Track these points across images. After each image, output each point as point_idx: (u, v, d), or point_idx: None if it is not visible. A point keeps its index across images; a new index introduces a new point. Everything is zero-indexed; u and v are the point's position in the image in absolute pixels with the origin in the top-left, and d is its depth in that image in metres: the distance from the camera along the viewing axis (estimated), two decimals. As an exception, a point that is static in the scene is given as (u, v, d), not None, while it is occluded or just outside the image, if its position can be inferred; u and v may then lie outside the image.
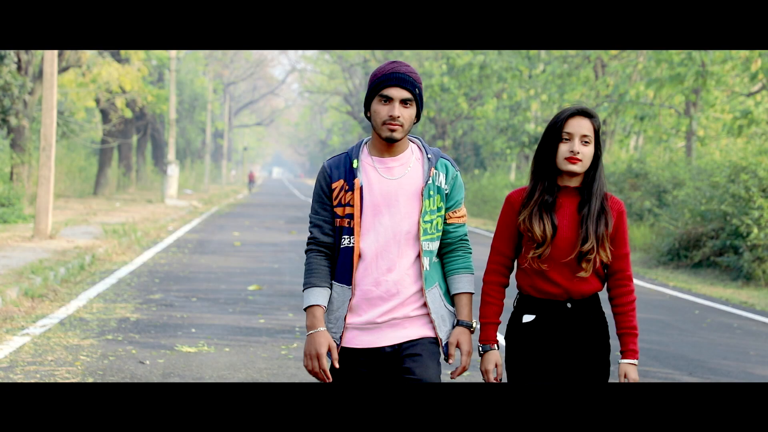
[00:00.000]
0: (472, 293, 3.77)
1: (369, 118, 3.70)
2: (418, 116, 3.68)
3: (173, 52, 35.31)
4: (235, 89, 75.01)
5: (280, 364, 7.61)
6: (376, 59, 46.48)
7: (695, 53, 20.65)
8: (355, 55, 50.85)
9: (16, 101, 20.88)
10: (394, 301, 3.66)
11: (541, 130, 30.57)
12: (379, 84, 3.63)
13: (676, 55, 21.18)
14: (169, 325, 9.09)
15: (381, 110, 3.63)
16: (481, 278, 3.87)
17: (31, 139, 23.34)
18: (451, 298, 3.78)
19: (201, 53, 51.04)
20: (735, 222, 15.46)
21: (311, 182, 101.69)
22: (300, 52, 68.51)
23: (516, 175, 35.48)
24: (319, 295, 3.69)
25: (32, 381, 6.72)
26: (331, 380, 3.60)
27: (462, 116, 37.14)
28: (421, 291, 3.69)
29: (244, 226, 23.77)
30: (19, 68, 21.84)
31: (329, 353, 3.65)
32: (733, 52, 20.00)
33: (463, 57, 30.70)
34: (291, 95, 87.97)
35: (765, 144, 19.27)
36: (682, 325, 10.39)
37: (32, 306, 9.84)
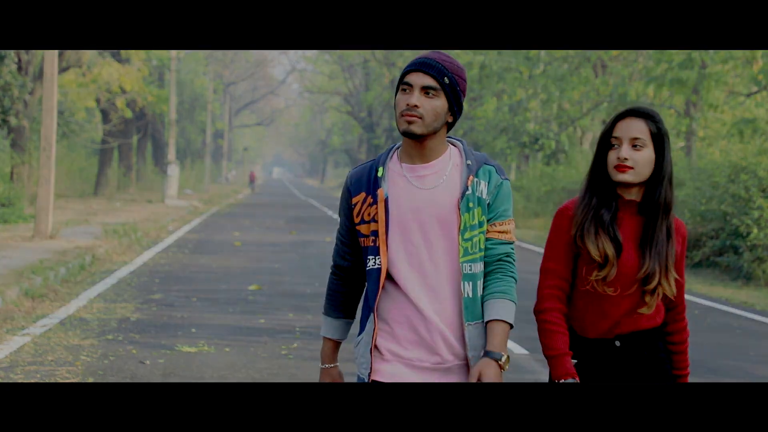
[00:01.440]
0: (508, 323, 3.05)
1: None
2: (453, 113, 3.11)
3: (173, 53, 35.33)
4: (235, 89, 75.04)
5: (281, 364, 7.61)
6: (376, 59, 46.49)
7: (695, 53, 20.66)
8: (355, 55, 50.88)
9: (17, 101, 20.88)
10: (441, 339, 3.06)
11: (540, 129, 30.60)
12: (402, 72, 3.11)
13: (676, 55, 21.19)
14: (170, 325, 9.09)
15: (400, 100, 3.07)
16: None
17: (32, 139, 23.36)
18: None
19: (201, 53, 51.06)
20: (735, 222, 15.46)
21: (311, 182, 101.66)
22: (300, 52, 68.55)
23: (516, 175, 35.47)
24: (330, 327, 3.27)
25: (32, 381, 6.72)
26: None
27: (462, 116, 37.17)
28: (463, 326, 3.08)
29: (245, 226, 23.77)
30: (19, 68, 21.85)
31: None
32: (734, 51, 20.01)
33: (463, 57, 30.69)
34: (291, 95, 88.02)
35: (765, 144, 19.27)
36: (682, 325, 10.40)
37: (32, 306, 9.84)
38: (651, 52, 22.90)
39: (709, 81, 20.93)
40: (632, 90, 23.15)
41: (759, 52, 19.28)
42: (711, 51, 20.25)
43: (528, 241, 21.27)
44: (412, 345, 3.08)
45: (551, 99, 28.40)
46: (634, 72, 25.72)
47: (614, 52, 26.02)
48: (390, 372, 3.09)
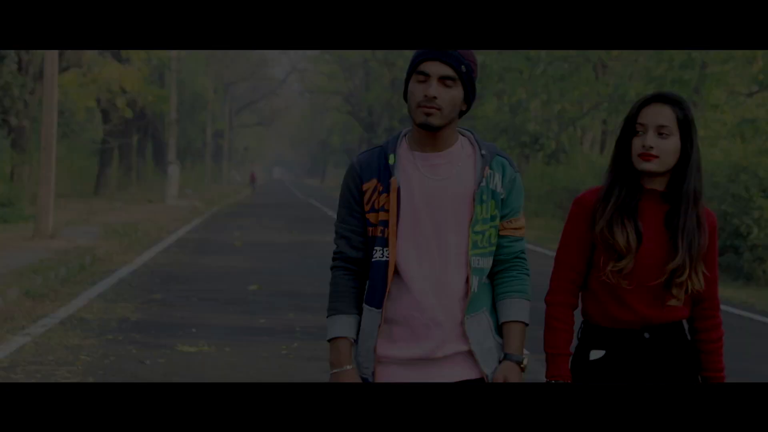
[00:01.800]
0: (525, 323, 3.01)
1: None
2: (467, 102, 3.00)
3: (173, 53, 35.33)
4: (236, 89, 75.03)
5: (281, 364, 7.61)
6: (376, 59, 46.49)
7: (695, 53, 20.67)
8: (355, 55, 50.90)
9: (17, 101, 20.91)
10: (439, 331, 2.94)
11: (540, 129, 30.62)
12: (416, 60, 2.95)
13: (677, 55, 21.20)
14: (170, 325, 9.10)
15: (416, 90, 2.92)
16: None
17: (32, 139, 23.37)
18: (500, 330, 3.03)
19: (201, 53, 51.07)
20: (735, 222, 15.46)
21: (312, 182, 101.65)
22: (300, 52, 68.58)
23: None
24: (345, 325, 3.01)
25: (33, 381, 6.72)
26: None
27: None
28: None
29: (245, 226, 23.77)
30: (19, 68, 21.86)
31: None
32: (734, 51, 20.03)
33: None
34: (291, 95, 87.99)
35: (765, 144, 19.27)
36: (682, 325, 10.40)
37: (33, 306, 9.84)
38: (651, 52, 22.91)
39: (710, 81, 20.93)
40: (632, 90, 23.15)
41: (759, 52, 19.29)
42: (711, 51, 20.26)
43: (528, 241, 21.22)
44: (411, 341, 2.96)
45: (551, 99, 28.40)
46: (634, 72, 25.73)
47: (614, 52, 26.02)
48: (387, 372, 2.99)
